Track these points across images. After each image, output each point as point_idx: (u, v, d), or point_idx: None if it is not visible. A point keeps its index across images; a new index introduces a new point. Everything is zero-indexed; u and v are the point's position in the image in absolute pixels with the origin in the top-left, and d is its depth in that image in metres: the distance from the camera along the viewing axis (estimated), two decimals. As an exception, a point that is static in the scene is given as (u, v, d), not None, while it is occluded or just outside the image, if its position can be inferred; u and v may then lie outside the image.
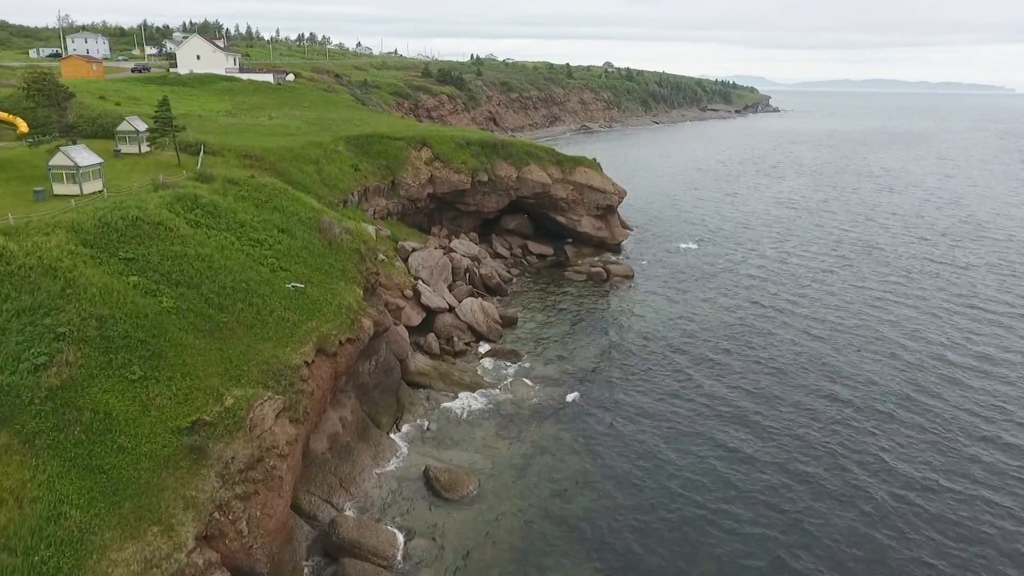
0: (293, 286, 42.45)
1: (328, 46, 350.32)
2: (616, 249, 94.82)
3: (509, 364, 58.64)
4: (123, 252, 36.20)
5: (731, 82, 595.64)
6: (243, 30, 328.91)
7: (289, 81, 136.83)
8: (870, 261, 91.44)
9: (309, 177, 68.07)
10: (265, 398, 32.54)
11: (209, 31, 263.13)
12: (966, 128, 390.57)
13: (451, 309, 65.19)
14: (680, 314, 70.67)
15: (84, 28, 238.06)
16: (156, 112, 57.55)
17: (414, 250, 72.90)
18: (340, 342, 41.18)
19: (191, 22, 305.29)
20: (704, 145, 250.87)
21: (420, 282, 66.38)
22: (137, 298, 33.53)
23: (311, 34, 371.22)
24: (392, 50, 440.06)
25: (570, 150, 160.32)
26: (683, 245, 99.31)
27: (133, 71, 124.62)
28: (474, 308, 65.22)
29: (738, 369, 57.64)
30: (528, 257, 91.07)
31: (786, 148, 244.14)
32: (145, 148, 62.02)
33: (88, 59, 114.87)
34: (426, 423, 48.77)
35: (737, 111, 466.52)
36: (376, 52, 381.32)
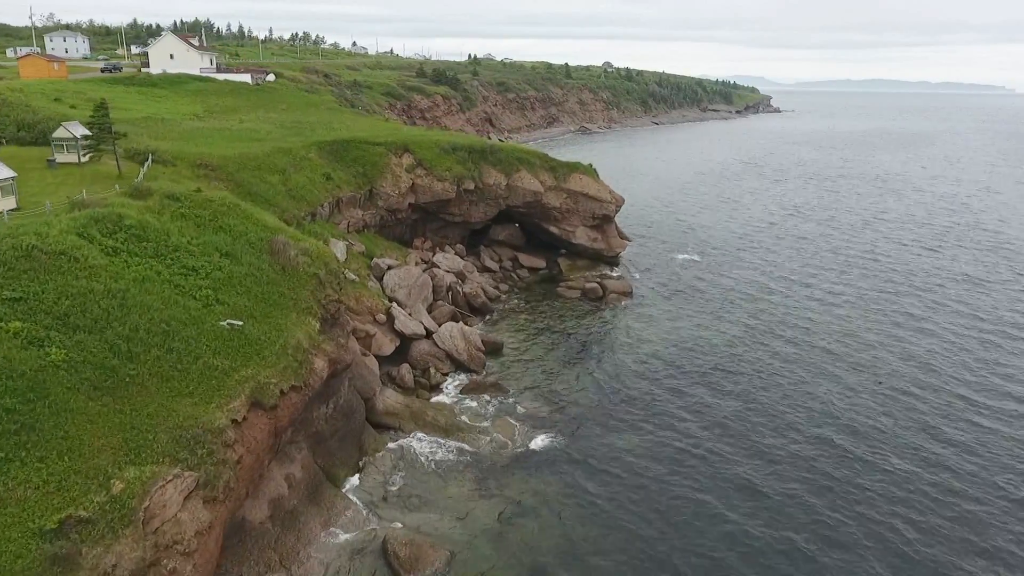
0: (229, 324, 36.03)
1: (322, 45, 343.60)
2: (613, 261, 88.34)
3: (491, 400, 52.26)
4: (8, 291, 29.78)
5: (732, 82, 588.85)
6: (235, 29, 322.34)
7: (269, 81, 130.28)
8: (880, 278, 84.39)
9: (272, 188, 61.71)
10: (169, 477, 26.18)
11: (199, 30, 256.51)
12: (968, 129, 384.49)
13: (429, 335, 58.80)
14: (680, 341, 64.09)
15: (68, 27, 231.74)
16: (92, 117, 51.07)
17: (390, 267, 66.48)
18: (282, 391, 34.78)
19: (182, 21, 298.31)
20: (705, 147, 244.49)
21: (395, 305, 60.00)
22: (14, 351, 27.13)
23: (304, 33, 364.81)
24: (388, 50, 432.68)
25: (568, 152, 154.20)
26: (684, 256, 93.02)
27: (103, 71, 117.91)
28: (454, 334, 58.81)
29: (739, 415, 50.41)
30: (519, 271, 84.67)
31: (788, 150, 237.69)
32: (86, 157, 55.42)
33: (50, 58, 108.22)
34: (391, 477, 42.34)
35: (738, 111, 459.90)
36: (372, 52, 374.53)
